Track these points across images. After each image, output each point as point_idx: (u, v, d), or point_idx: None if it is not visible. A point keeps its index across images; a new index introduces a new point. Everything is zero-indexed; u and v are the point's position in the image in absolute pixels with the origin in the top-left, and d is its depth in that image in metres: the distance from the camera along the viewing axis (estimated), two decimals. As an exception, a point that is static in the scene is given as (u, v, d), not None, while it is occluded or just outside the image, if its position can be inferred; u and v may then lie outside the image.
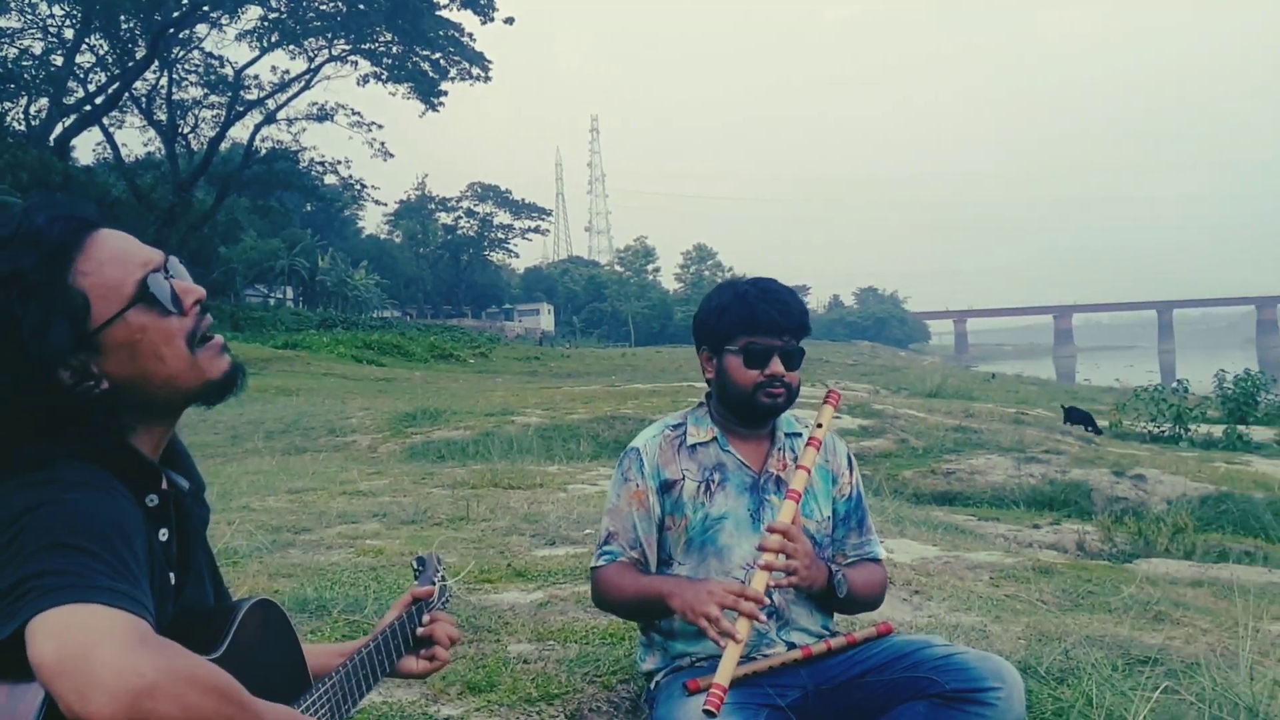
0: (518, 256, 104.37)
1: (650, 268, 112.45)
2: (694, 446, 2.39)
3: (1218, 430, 16.04)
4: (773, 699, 2.18)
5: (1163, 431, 16.35)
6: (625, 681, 2.84)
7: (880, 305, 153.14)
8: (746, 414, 2.37)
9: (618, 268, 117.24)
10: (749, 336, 2.32)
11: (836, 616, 2.47)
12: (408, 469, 9.07)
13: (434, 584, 1.83)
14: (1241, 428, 16.13)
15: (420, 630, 1.76)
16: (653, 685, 2.35)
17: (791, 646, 2.28)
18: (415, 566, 1.91)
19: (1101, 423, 16.70)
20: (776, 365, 2.32)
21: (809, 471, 2.25)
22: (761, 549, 2.13)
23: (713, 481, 2.34)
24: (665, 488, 2.35)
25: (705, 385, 2.49)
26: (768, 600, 2.09)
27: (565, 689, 2.80)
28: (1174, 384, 19.44)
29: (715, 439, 2.39)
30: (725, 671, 1.92)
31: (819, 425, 2.31)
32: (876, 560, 2.48)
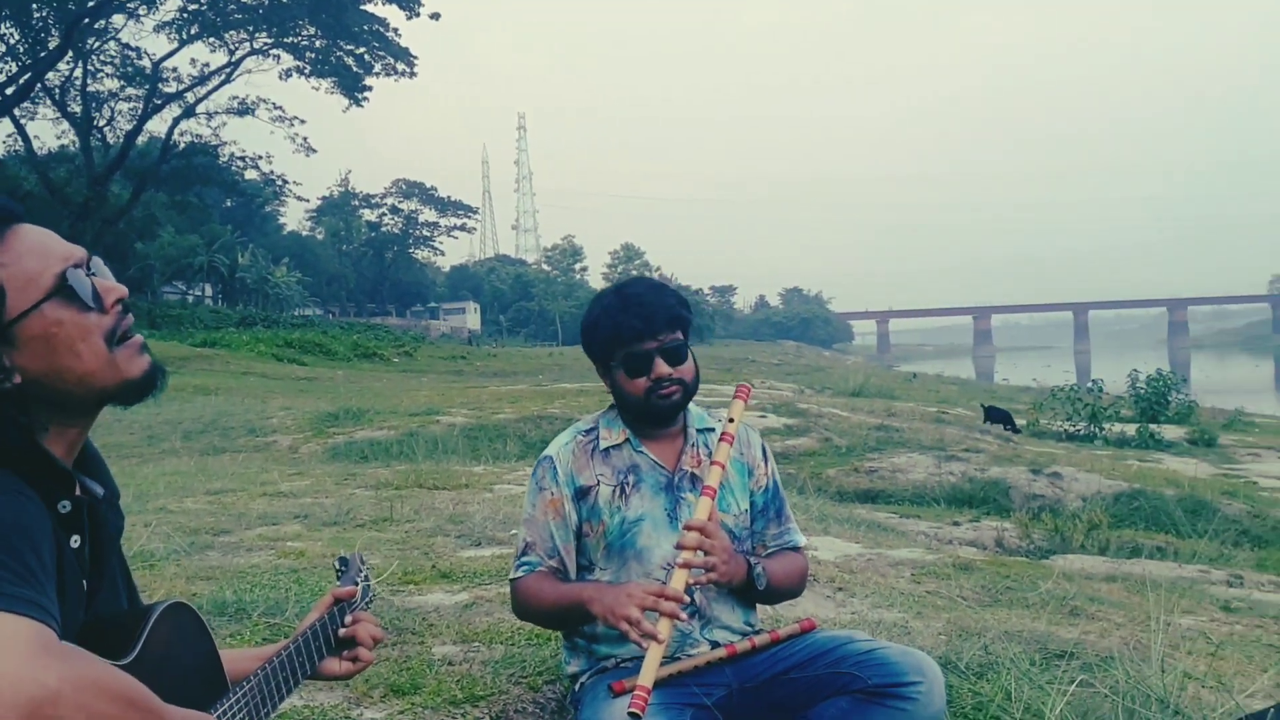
0: (443, 254, 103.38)
1: (578, 267, 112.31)
2: (607, 450, 2.38)
3: (1131, 429, 16.43)
4: (698, 698, 2.18)
5: (1078, 430, 16.70)
6: (551, 683, 2.83)
7: (805, 306, 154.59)
8: (650, 418, 2.37)
9: (545, 266, 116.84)
10: (624, 349, 2.32)
11: (760, 613, 2.48)
12: (330, 469, 8.94)
13: (357, 584, 1.81)
14: (1153, 426, 16.54)
15: (342, 631, 1.73)
16: (578, 687, 2.34)
17: (715, 645, 2.29)
18: (338, 567, 1.88)
19: (1019, 421, 17.03)
20: (661, 367, 2.32)
21: (723, 467, 2.27)
22: (679, 548, 2.14)
23: (628, 484, 2.34)
24: (581, 494, 2.35)
25: None
26: (688, 599, 2.10)
27: (490, 690, 2.78)
28: (1089, 384, 19.85)
29: (627, 440, 2.39)
30: (649, 672, 1.93)
31: (730, 420, 2.33)
32: (796, 548, 2.49)
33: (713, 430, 2.44)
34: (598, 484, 2.35)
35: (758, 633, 2.36)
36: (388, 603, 3.70)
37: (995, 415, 16.62)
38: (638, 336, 2.31)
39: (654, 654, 1.96)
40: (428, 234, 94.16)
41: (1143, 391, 19.97)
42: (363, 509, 6.17)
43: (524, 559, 2.34)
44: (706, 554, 2.14)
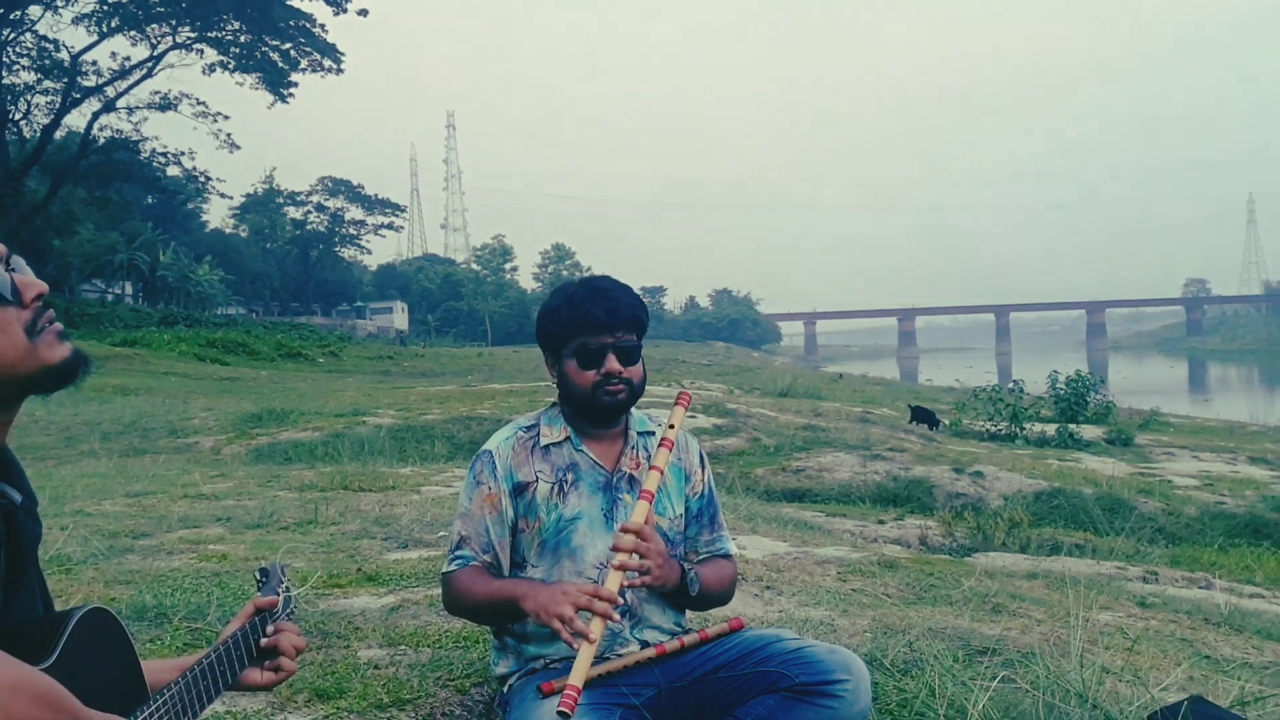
0: (370, 253, 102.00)
1: (508, 266, 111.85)
2: (547, 447, 2.38)
3: (1051, 429, 16.71)
4: (627, 698, 2.19)
5: (1000, 430, 16.96)
6: (479, 685, 2.81)
7: (734, 307, 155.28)
8: (591, 414, 2.37)
9: (474, 266, 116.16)
10: (581, 338, 2.32)
11: (689, 612, 2.49)
12: (253, 471, 8.80)
13: (278, 594, 1.78)
14: (1072, 426, 16.84)
15: (264, 641, 1.70)
16: (506, 689, 2.33)
17: (645, 645, 2.30)
18: (258, 577, 1.85)
19: (943, 421, 17.28)
20: (612, 363, 2.32)
21: (662, 472, 2.28)
22: (615, 549, 2.14)
23: (566, 482, 2.34)
24: (518, 490, 2.34)
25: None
26: (621, 600, 2.10)
27: (417, 694, 2.76)
28: (1010, 384, 20.14)
29: (568, 439, 2.39)
30: (579, 672, 1.92)
31: (670, 426, 2.34)
32: (727, 556, 2.51)
33: (653, 434, 2.45)
34: (536, 480, 2.34)
35: (687, 632, 2.37)
36: (312, 607, 3.65)
37: (921, 415, 16.86)
38: (596, 328, 2.32)
39: (585, 653, 1.96)
40: (354, 232, 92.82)
41: (1062, 392, 20.32)
42: (287, 511, 6.08)
43: (458, 553, 2.32)
44: (642, 557, 2.15)
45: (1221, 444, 16.59)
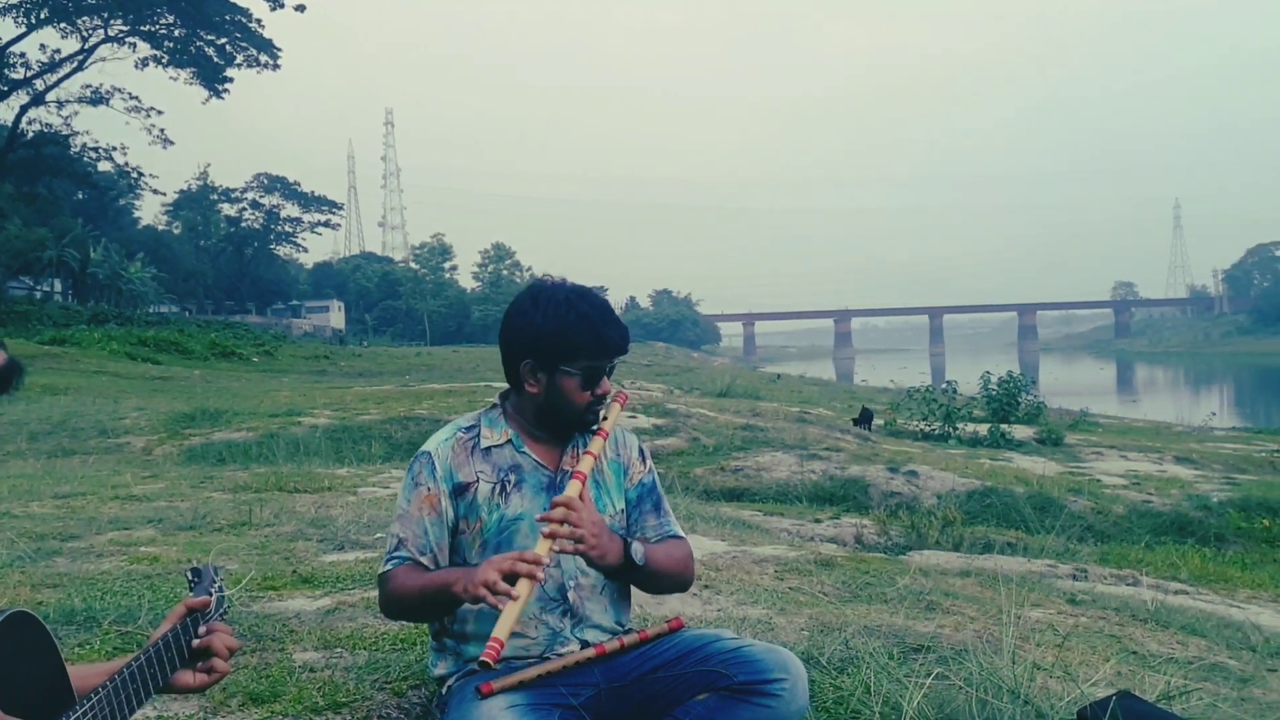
0: (306, 251, 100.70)
1: (447, 265, 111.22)
2: (488, 449, 2.36)
3: (983, 429, 16.95)
4: (565, 698, 2.18)
5: (933, 430, 17.17)
6: (416, 687, 2.79)
7: (674, 308, 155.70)
8: (573, 428, 2.37)
9: (413, 265, 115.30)
10: (591, 359, 2.31)
11: (630, 613, 2.49)
12: (186, 472, 8.65)
13: (210, 595, 1.75)
14: (1004, 426, 17.08)
15: (196, 642, 1.68)
16: (444, 690, 2.31)
17: (586, 644, 2.30)
18: (190, 578, 1.82)
19: (877, 421, 17.46)
20: (606, 384, 2.36)
21: (595, 458, 2.30)
22: (544, 520, 2.14)
23: (508, 482, 2.33)
24: (459, 490, 2.32)
25: (502, 385, 2.47)
26: (549, 562, 2.08)
27: (354, 697, 2.73)
28: (944, 385, 20.38)
29: (510, 440, 2.38)
30: (504, 626, 1.94)
31: (604, 418, 2.36)
32: (678, 538, 2.49)
33: (594, 433, 2.45)
34: (477, 481, 2.32)
35: (627, 632, 2.38)
36: (246, 609, 3.59)
37: (864, 416, 16.99)
38: (610, 351, 2.33)
39: (509, 611, 1.97)
40: (290, 230, 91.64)
41: (994, 393, 20.62)
42: (220, 513, 5.99)
43: (394, 554, 2.29)
44: (574, 527, 2.14)
45: (1148, 444, 16.95)
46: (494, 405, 2.45)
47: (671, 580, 2.45)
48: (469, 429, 2.40)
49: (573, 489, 2.21)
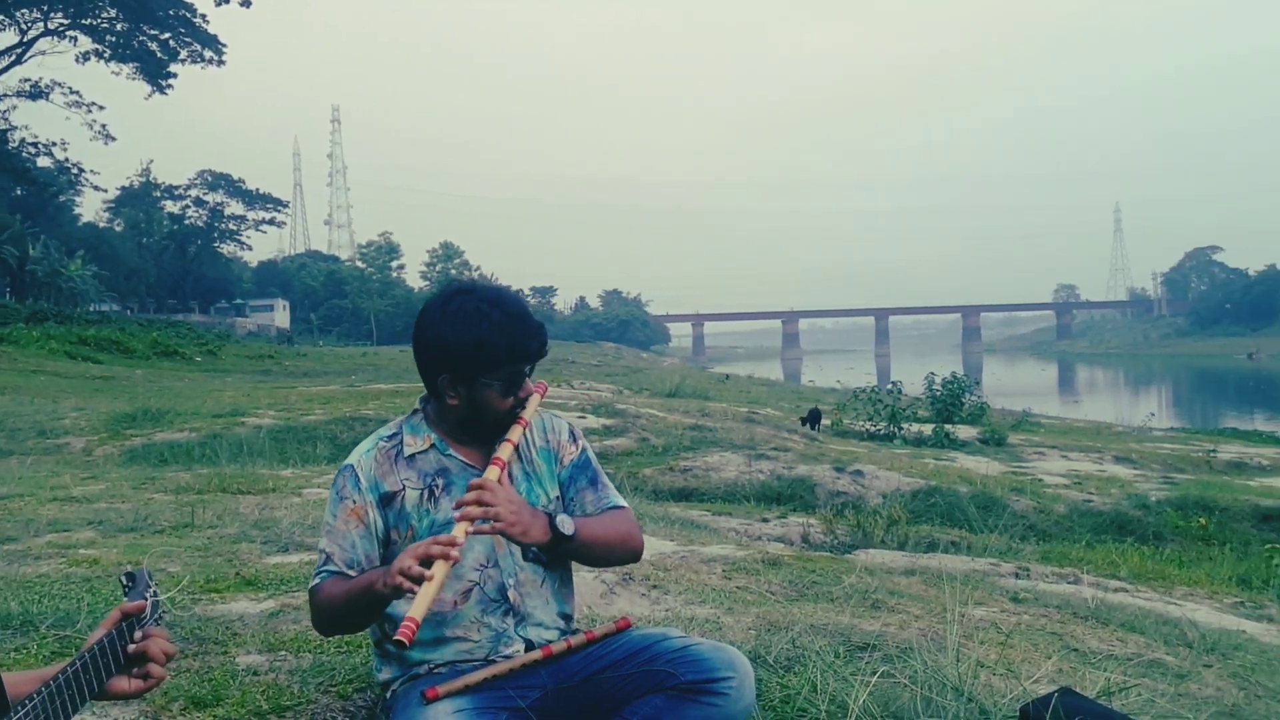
0: (251, 249, 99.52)
1: (394, 264, 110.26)
2: (412, 456, 2.34)
3: (927, 429, 17.10)
4: (513, 700, 2.18)
5: (879, 430, 17.29)
6: (361, 691, 2.76)
7: (624, 308, 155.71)
8: (496, 432, 2.34)
9: (359, 263, 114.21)
10: (510, 368, 2.29)
11: (577, 613, 2.48)
12: (127, 473, 8.51)
13: (146, 599, 1.72)
14: (948, 426, 17.27)
15: (132, 647, 1.64)
16: (389, 695, 2.30)
17: (530, 643, 2.28)
18: (124, 582, 1.79)
19: (824, 421, 17.59)
20: (528, 386, 2.34)
21: (514, 445, 2.30)
22: (458, 505, 2.14)
23: (436, 487, 2.30)
24: (385, 500, 2.30)
25: None
26: (463, 541, 2.06)
27: (298, 700, 2.70)
28: (889, 385, 20.52)
29: (434, 445, 2.35)
30: (419, 606, 1.94)
31: (523, 408, 2.35)
32: (620, 508, 2.45)
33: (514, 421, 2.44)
34: (403, 489, 2.30)
35: (574, 633, 2.37)
36: (188, 612, 3.54)
37: (813, 416, 17.10)
38: (529, 358, 2.31)
39: (425, 591, 1.97)
40: (234, 228, 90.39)
41: (938, 393, 20.83)
42: (162, 515, 5.89)
43: (322, 569, 2.27)
44: (488, 505, 2.13)
45: (1089, 444, 17.21)
46: (415, 410, 2.42)
47: (615, 549, 2.40)
48: (391, 437, 2.37)
49: (491, 474, 2.20)
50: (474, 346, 2.24)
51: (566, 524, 2.24)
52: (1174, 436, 21.79)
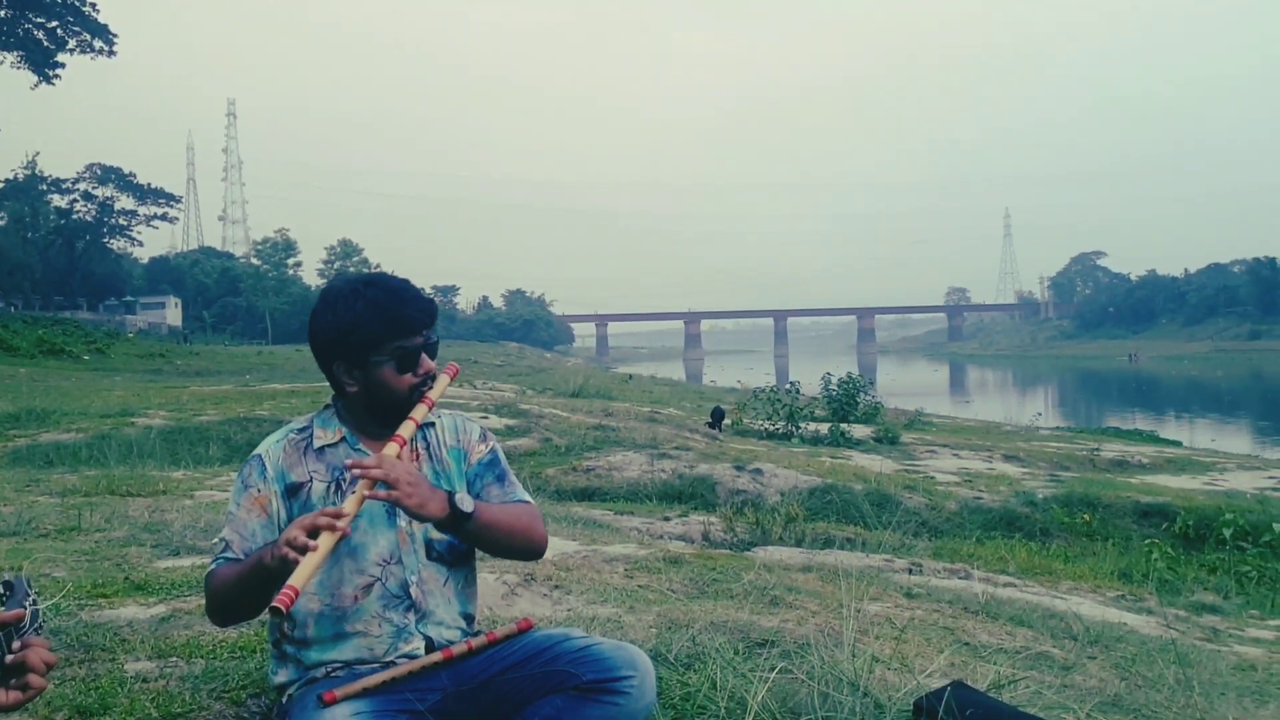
0: (142, 245, 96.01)
1: (291, 261, 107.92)
2: (321, 449, 2.32)
3: (824, 428, 17.29)
4: (412, 703, 2.16)
5: (778, 429, 17.43)
6: (256, 696, 2.72)
7: (528, 308, 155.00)
8: (403, 417, 2.31)
9: (255, 260, 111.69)
10: (397, 342, 2.28)
11: (479, 614, 2.47)
12: (9, 475, 8.20)
13: (25, 608, 1.67)
14: (844, 425, 17.46)
15: (10, 658, 1.60)
16: (285, 699, 2.26)
17: (430, 641, 2.27)
18: (1, 591, 1.73)
19: (725, 421, 17.72)
20: (427, 362, 2.32)
21: (417, 423, 2.29)
22: (353, 465, 2.14)
23: (344, 480, 2.27)
24: (291, 491, 2.28)
25: None
26: (350, 511, 2.06)
27: (189, 707, 2.64)
28: (787, 385, 20.68)
29: (344, 439, 2.34)
30: (300, 575, 1.93)
31: (431, 387, 2.34)
32: (525, 502, 2.44)
33: (433, 425, 2.42)
34: (310, 480, 2.28)
35: (476, 634, 2.36)
36: (73, 618, 3.43)
37: (717, 416, 17.19)
38: (414, 330, 2.28)
39: (308, 560, 1.96)
40: (124, 223, 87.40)
41: (834, 393, 21.08)
42: (47, 518, 5.70)
43: (220, 555, 2.24)
44: (385, 471, 2.12)
45: (979, 442, 17.63)
46: (327, 406, 2.42)
47: (516, 538, 2.37)
48: (301, 430, 2.36)
49: (390, 449, 2.20)
50: (354, 325, 2.26)
51: (466, 502, 2.21)
52: (1060, 435, 22.44)
